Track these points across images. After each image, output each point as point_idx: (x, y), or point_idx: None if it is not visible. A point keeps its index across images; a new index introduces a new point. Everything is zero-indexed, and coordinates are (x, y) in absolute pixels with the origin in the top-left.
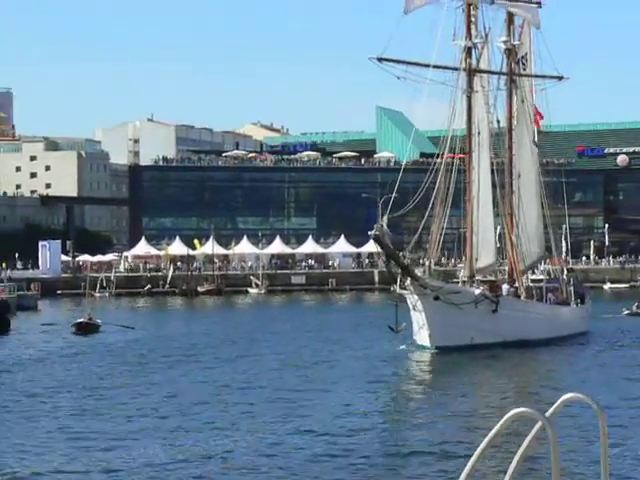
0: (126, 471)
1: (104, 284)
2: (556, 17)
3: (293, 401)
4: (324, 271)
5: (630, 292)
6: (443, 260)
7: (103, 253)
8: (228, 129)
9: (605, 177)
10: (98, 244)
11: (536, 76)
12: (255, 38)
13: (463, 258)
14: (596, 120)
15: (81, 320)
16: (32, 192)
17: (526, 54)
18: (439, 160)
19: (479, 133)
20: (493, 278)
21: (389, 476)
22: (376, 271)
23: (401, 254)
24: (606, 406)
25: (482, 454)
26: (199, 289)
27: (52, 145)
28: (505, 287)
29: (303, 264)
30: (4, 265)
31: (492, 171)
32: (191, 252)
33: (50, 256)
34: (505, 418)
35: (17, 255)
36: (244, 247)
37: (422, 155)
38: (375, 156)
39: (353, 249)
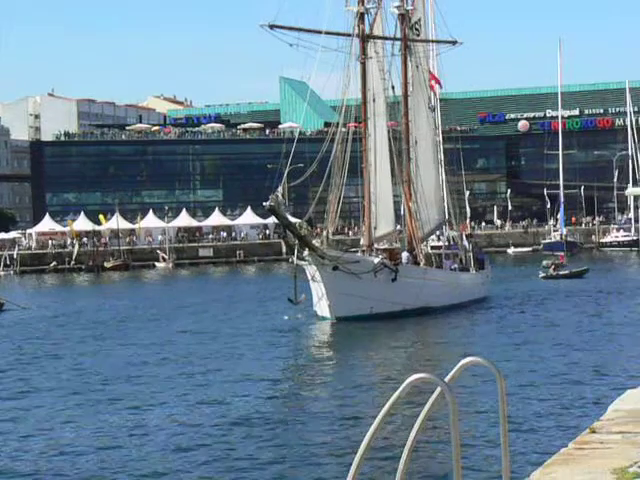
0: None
1: (7, 262)
2: None
3: (194, 373)
4: (231, 243)
5: (533, 256)
6: (348, 230)
7: (6, 231)
8: (131, 102)
9: (507, 143)
10: (1, 222)
11: (430, 41)
12: (155, 8)
13: (362, 227)
14: (496, 86)
15: None
16: None
17: (420, 19)
18: (336, 129)
19: (374, 100)
20: (392, 246)
21: (292, 442)
22: (283, 242)
23: (297, 224)
24: (505, 368)
25: (384, 419)
26: (106, 264)
27: None
28: (405, 255)
29: (210, 236)
30: None
31: (390, 139)
32: (96, 227)
33: None
34: (405, 384)
35: None
36: (150, 221)
37: (326, 125)
38: (280, 127)
39: (260, 220)
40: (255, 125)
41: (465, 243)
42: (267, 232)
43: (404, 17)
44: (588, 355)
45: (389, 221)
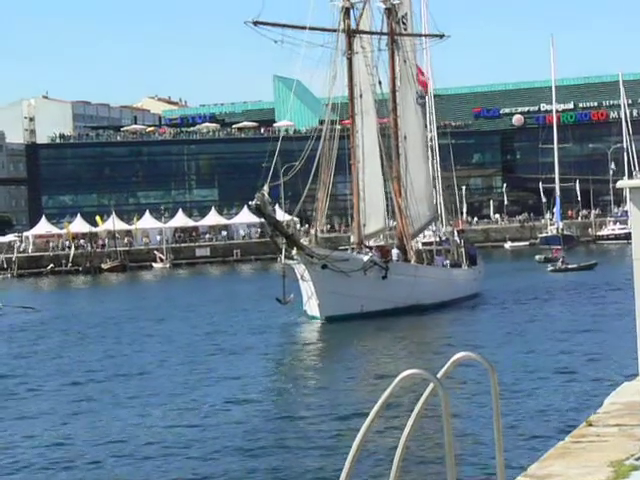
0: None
1: (5, 265)
2: None
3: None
4: (228, 242)
5: (530, 250)
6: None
7: (3, 234)
8: (126, 104)
9: (502, 137)
10: None
11: (417, 35)
12: (147, 9)
13: (352, 224)
14: (490, 81)
15: None
16: None
17: (406, 14)
18: (323, 127)
19: (361, 96)
20: (382, 243)
21: (285, 438)
22: (271, 241)
23: (285, 222)
24: (497, 363)
25: (377, 415)
26: (103, 266)
27: None
28: (395, 252)
29: (207, 236)
30: None
31: (379, 135)
32: (93, 229)
33: None
34: (397, 380)
35: None
36: (147, 222)
37: (321, 122)
38: (274, 125)
39: (256, 219)
40: (250, 124)
41: (456, 238)
42: (264, 230)
43: (390, 11)
44: (584, 347)
45: (379, 218)
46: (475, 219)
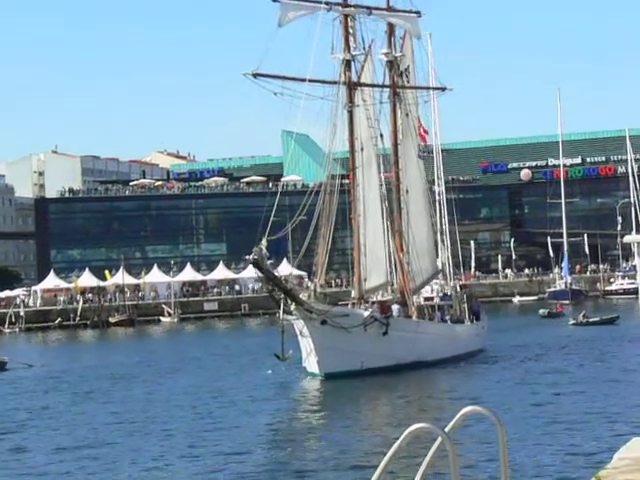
0: None
1: (13, 320)
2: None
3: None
4: (236, 296)
5: (538, 304)
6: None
7: (11, 288)
8: (135, 158)
9: (509, 192)
10: (6, 279)
11: (418, 87)
12: (155, 63)
13: (353, 279)
14: (497, 135)
15: None
16: None
17: (409, 66)
18: (327, 181)
19: (362, 149)
20: (383, 298)
21: None
22: (270, 296)
23: (283, 278)
24: (507, 417)
25: (385, 469)
26: (111, 320)
27: None
28: (396, 307)
29: (215, 290)
30: None
31: (381, 189)
32: (101, 283)
33: None
34: (405, 434)
35: None
36: (155, 276)
37: (333, 177)
38: (282, 180)
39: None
40: (258, 178)
41: (459, 294)
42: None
43: (392, 64)
44: (594, 402)
45: (381, 273)
46: (483, 274)
